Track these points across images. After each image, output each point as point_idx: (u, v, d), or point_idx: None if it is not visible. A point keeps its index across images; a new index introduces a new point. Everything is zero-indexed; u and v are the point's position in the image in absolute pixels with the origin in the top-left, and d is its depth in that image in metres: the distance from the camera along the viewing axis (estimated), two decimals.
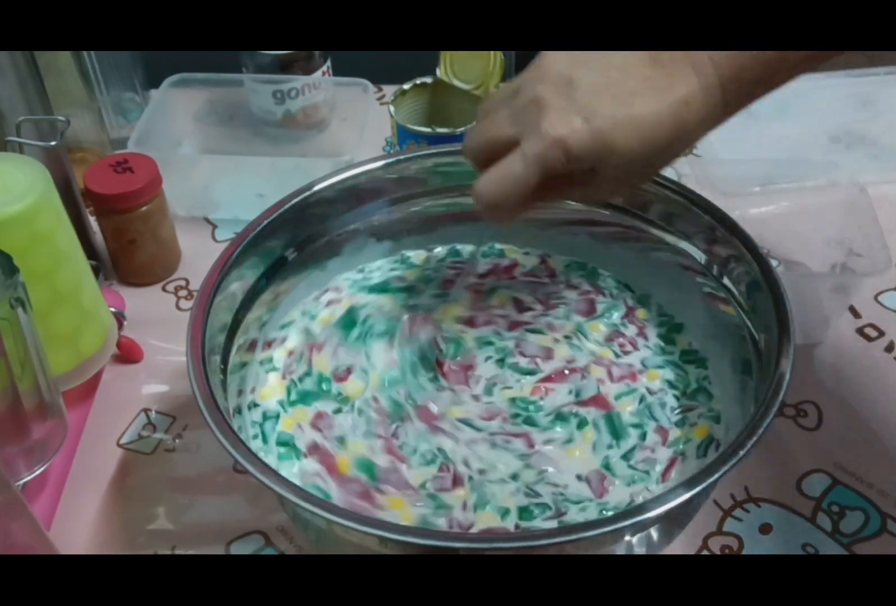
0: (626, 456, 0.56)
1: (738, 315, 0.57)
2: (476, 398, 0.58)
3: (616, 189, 0.53)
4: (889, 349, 0.67)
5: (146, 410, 0.65)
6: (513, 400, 0.58)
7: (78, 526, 0.58)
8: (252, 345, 0.60)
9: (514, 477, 0.55)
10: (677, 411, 0.58)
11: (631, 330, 0.63)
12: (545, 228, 0.66)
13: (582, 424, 0.57)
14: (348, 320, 0.63)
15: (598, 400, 0.58)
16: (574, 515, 0.53)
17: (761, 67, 0.46)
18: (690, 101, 0.46)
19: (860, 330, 0.68)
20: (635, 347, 0.61)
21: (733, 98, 0.47)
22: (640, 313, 0.64)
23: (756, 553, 0.56)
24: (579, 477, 0.55)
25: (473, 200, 0.50)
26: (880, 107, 0.84)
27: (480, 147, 0.51)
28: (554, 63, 0.48)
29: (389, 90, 0.89)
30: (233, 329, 0.57)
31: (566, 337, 0.62)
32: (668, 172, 0.62)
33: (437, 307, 0.64)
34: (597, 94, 0.47)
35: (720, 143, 0.78)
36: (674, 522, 0.54)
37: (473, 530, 0.52)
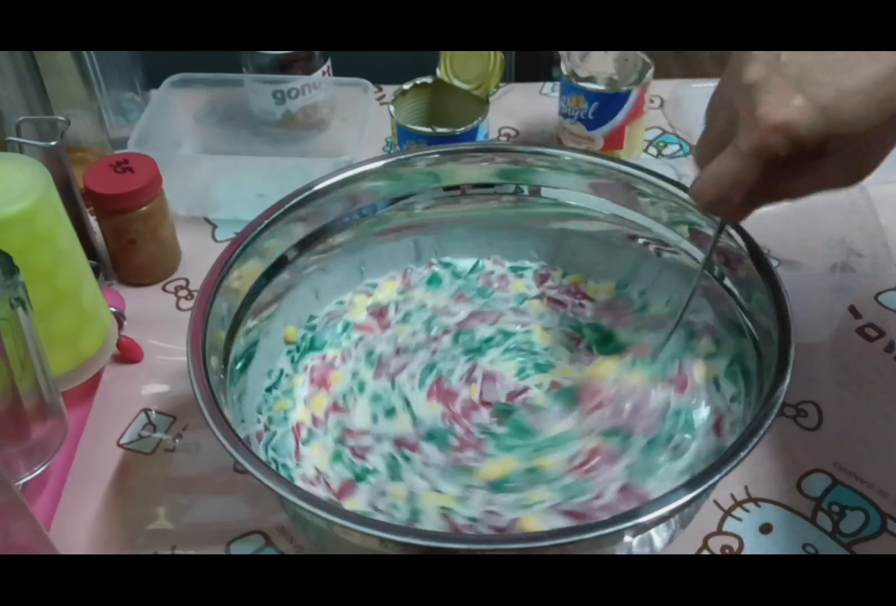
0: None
1: (738, 315, 0.57)
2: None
3: (854, 169, 0.47)
4: (889, 349, 0.67)
5: (146, 410, 0.65)
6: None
7: (78, 526, 0.58)
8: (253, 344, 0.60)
9: None
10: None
11: None
12: (545, 232, 0.66)
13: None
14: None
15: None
16: None
17: None
18: None
19: (860, 330, 0.68)
20: None
21: None
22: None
23: (756, 553, 0.56)
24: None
25: (692, 200, 0.49)
26: None
27: (705, 154, 0.48)
28: None
29: (389, 90, 0.89)
30: (233, 329, 0.57)
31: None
32: (668, 172, 0.62)
33: None
34: (811, 65, 0.42)
35: None
36: (674, 522, 0.54)
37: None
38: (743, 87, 0.44)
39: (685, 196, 0.59)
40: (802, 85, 0.42)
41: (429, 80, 0.78)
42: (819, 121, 0.42)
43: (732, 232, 0.57)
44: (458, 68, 0.76)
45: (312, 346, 0.63)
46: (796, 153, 0.43)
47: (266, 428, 0.58)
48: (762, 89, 0.43)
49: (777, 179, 0.46)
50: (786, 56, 0.43)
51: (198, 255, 0.76)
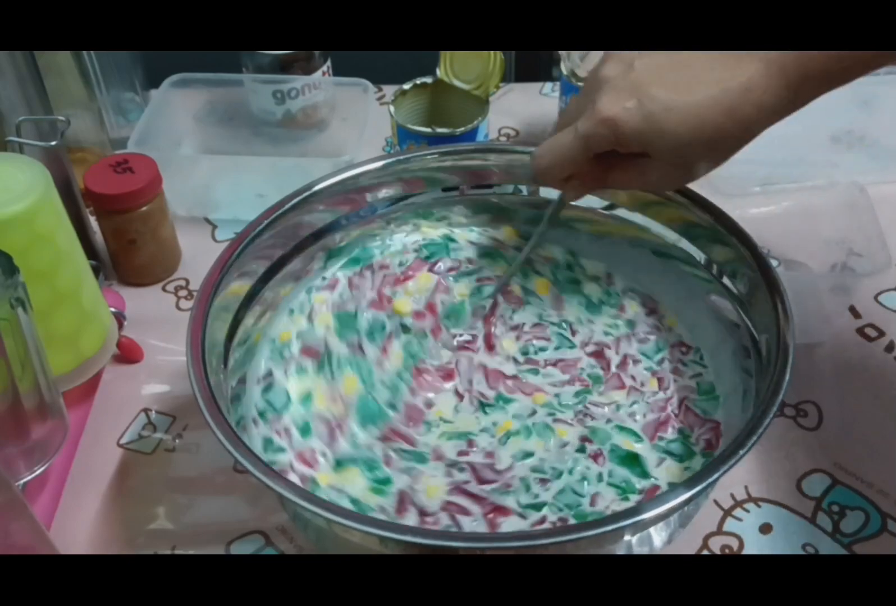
0: None
1: (738, 315, 0.57)
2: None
3: (673, 177, 0.52)
4: (889, 349, 0.67)
5: (146, 410, 0.65)
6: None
7: (78, 526, 0.58)
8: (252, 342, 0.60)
9: None
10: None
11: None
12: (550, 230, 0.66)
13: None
14: None
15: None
16: None
17: (833, 61, 0.45)
18: (752, 87, 0.46)
19: (860, 330, 0.68)
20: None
21: (801, 89, 0.46)
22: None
23: (756, 553, 0.56)
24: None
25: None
26: (880, 107, 0.84)
27: (557, 129, 0.53)
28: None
29: (389, 90, 0.89)
30: (233, 329, 0.57)
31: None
32: None
33: None
34: (656, 77, 0.47)
35: None
36: (673, 521, 0.54)
37: None
38: (597, 80, 0.50)
39: (683, 196, 0.59)
40: (639, 93, 0.47)
41: (429, 80, 0.78)
42: (641, 126, 0.47)
43: (732, 231, 0.57)
44: (458, 68, 0.76)
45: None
46: (620, 148, 0.49)
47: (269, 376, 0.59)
48: (607, 86, 0.49)
49: (605, 168, 0.52)
50: (638, 64, 0.48)
51: (198, 255, 0.76)
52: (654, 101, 0.47)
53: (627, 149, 0.49)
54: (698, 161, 0.50)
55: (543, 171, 0.53)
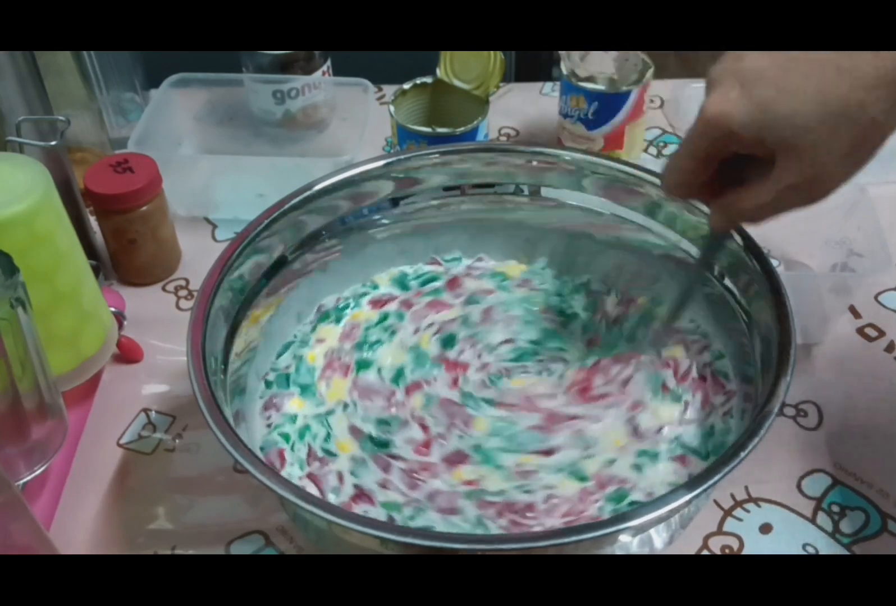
0: None
1: (738, 315, 0.57)
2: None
3: (804, 184, 0.46)
4: (889, 349, 0.67)
5: (146, 410, 0.65)
6: None
7: (78, 526, 0.58)
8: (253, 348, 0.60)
9: None
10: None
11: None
12: (546, 232, 0.66)
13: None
14: None
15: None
16: None
17: None
18: (870, 85, 0.42)
19: (860, 330, 0.68)
20: None
21: None
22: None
23: (756, 553, 0.56)
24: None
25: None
26: None
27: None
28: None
29: (389, 90, 0.89)
30: (233, 329, 0.57)
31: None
32: None
33: None
34: (766, 66, 0.44)
35: None
36: (674, 522, 0.54)
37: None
38: (707, 83, 0.47)
39: None
40: (747, 82, 0.44)
41: (429, 80, 0.78)
42: (752, 112, 0.44)
43: (732, 232, 0.57)
44: (458, 68, 0.76)
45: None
46: (735, 145, 0.46)
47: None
48: (714, 85, 0.46)
49: (728, 179, 0.49)
50: (749, 57, 0.45)
51: (198, 255, 0.76)
52: (766, 86, 0.44)
53: (743, 146, 0.46)
54: (825, 154, 0.44)
55: (671, 187, 0.51)
